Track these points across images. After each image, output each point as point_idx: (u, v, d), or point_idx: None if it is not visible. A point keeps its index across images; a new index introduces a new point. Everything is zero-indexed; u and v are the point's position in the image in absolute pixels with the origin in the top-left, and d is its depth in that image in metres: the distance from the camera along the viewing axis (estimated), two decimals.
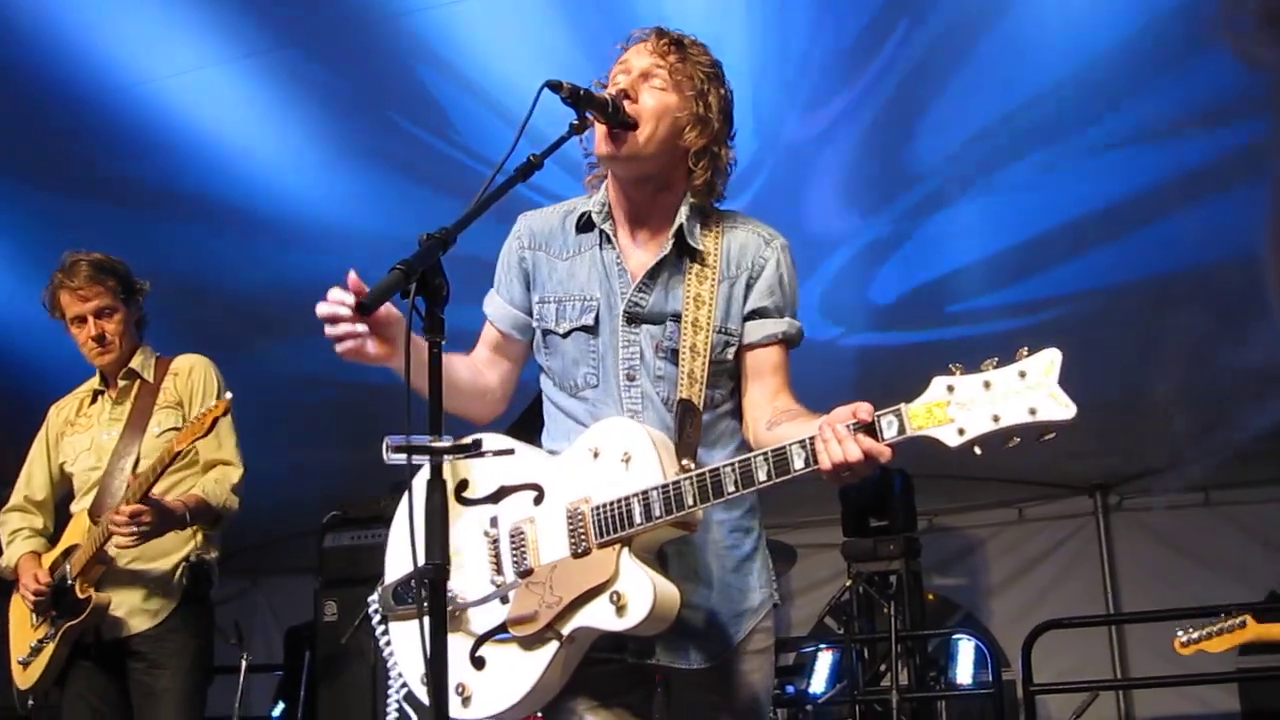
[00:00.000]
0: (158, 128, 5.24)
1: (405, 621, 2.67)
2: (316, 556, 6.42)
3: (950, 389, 2.14)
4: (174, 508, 3.95)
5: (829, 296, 6.14)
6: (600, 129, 2.55)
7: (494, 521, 2.61)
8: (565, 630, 2.44)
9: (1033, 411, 2.07)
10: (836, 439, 2.19)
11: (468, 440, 2.13)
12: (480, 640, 2.55)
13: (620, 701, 2.57)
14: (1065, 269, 5.79)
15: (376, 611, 2.75)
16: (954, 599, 7.78)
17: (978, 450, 2.13)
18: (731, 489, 2.32)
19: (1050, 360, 2.08)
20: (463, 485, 2.68)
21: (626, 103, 2.54)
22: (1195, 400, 5.97)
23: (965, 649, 6.88)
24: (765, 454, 2.29)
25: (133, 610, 4.04)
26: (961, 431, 2.12)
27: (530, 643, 2.49)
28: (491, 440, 2.41)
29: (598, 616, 2.41)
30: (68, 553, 4.11)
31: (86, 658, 4.06)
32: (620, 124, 2.53)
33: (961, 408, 2.13)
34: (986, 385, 2.11)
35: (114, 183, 5.57)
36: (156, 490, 3.93)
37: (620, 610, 2.39)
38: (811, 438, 2.24)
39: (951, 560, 7.79)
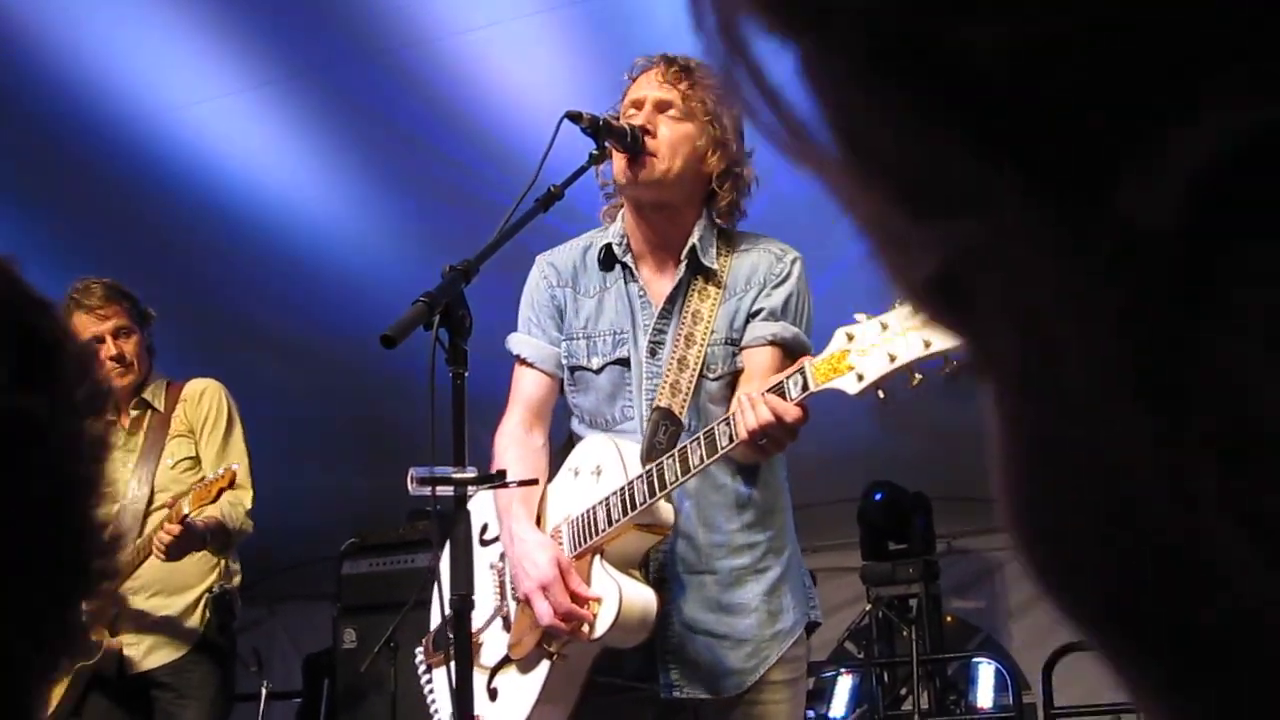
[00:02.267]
0: (177, 155, 5.27)
1: (442, 667, 2.70)
2: (334, 583, 6.41)
3: (850, 337, 2.12)
4: (200, 529, 3.87)
5: (833, 308, 6.13)
6: (619, 158, 2.56)
7: (501, 555, 2.64)
8: (554, 646, 2.46)
9: (927, 345, 2.01)
10: (750, 406, 2.19)
11: (492, 471, 2.15)
12: (493, 672, 2.58)
13: None
14: None
15: (422, 662, 2.79)
16: (973, 622, 7.73)
17: (881, 394, 2.08)
18: (672, 477, 2.33)
19: None
20: (484, 529, 2.72)
21: (646, 138, 2.55)
22: None
23: (985, 672, 6.83)
24: (698, 437, 2.31)
25: (155, 646, 4.01)
26: (860, 377, 2.08)
27: (526, 666, 2.53)
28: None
29: None
30: None
31: (107, 690, 4.03)
32: (639, 153, 2.54)
33: (861, 355, 2.08)
34: (884, 327, 2.08)
35: (131, 210, 5.60)
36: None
37: (591, 619, 2.40)
38: (731, 413, 2.25)
39: (970, 583, 7.74)
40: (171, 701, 4.00)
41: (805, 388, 2.15)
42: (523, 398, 2.73)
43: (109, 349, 4.09)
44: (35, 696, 0.70)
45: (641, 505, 2.36)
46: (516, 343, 2.76)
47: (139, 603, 4.01)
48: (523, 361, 2.74)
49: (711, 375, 2.59)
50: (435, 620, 2.78)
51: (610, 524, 2.41)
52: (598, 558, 2.45)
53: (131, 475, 4.10)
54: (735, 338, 2.61)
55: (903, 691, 6.84)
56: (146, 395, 4.21)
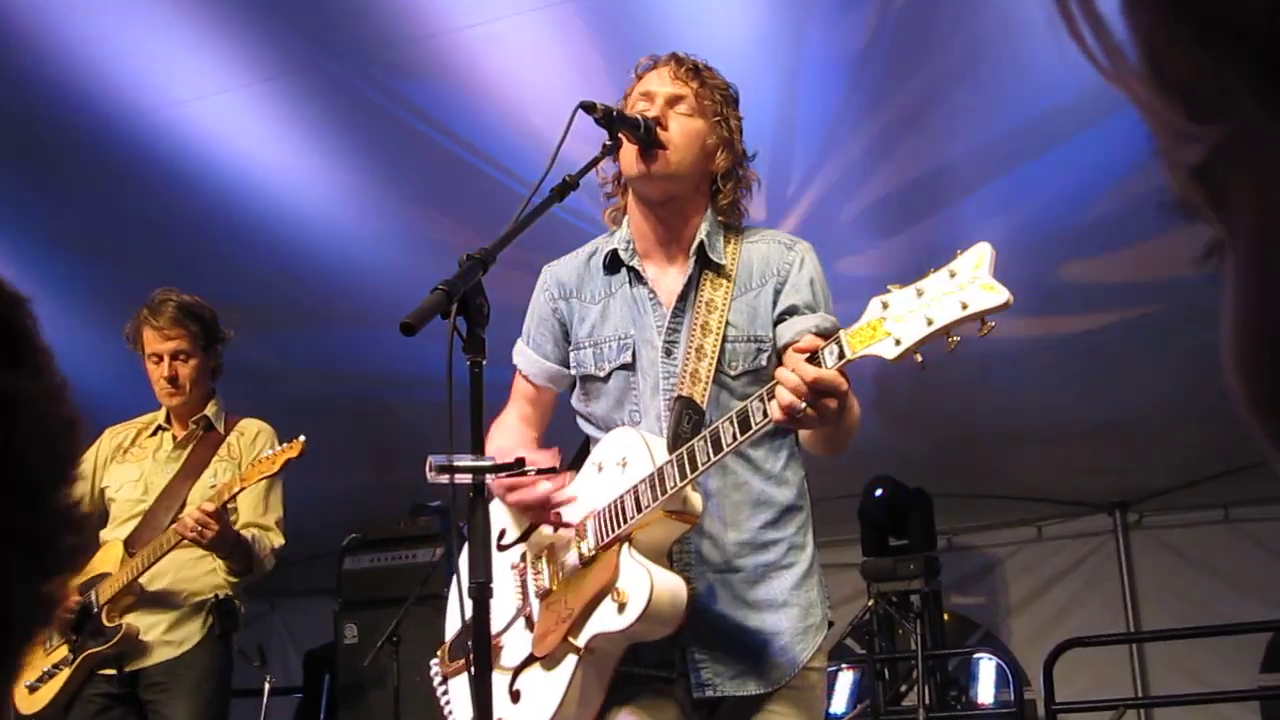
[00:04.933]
0: (177, 151, 5.27)
1: (461, 675, 2.67)
2: (334, 578, 6.42)
3: (885, 305, 2.11)
4: (230, 527, 3.95)
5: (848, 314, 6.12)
6: (631, 149, 2.57)
7: (522, 556, 2.64)
8: (580, 640, 2.44)
9: (964, 306, 2.01)
10: (784, 378, 2.17)
11: (510, 459, 2.14)
12: (515, 673, 2.55)
13: None
14: (1085, 288, 5.78)
15: (437, 673, 2.76)
16: (973, 618, 7.74)
17: (919, 359, 2.08)
18: (704, 459, 2.31)
19: (979, 254, 2.01)
20: (501, 534, 2.71)
21: (659, 130, 2.56)
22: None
23: (986, 668, 6.83)
24: (730, 416, 2.30)
25: (156, 639, 4.03)
26: (898, 342, 2.07)
27: (551, 662, 2.50)
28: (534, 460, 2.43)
29: (604, 619, 2.41)
30: (93, 580, 4.10)
31: (99, 687, 4.04)
32: (652, 144, 2.55)
33: (898, 321, 2.08)
34: (919, 293, 2.07)
35: (130, 205, 5.60)
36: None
37: (621, 608, 2.37)
38: (768, 388, 2.23)
39: (970, 579, 7.75)
40: (163, 703, 3.99)
41: (842, 355, 2.13)
42: (518, 399, 2.84)
43: (165, 369, 4.20)
44: (11, 663, 0.71)
45: (673, 489, 2.34)
46: (515, 353, 2.85)
47: (148, 591, 4.05)
48: (519, 372, 2.85)
49: (733, 372, 2.59)
50: (451, 630, 2.77)
51: (639, 510, 2.39)
52: (625, 546, 2.41)
53: (171, 482, 4.20)
54: (760, 335, 2.61)
55: (903, 688, 6.85)
56: (209, 414, 4.31)
